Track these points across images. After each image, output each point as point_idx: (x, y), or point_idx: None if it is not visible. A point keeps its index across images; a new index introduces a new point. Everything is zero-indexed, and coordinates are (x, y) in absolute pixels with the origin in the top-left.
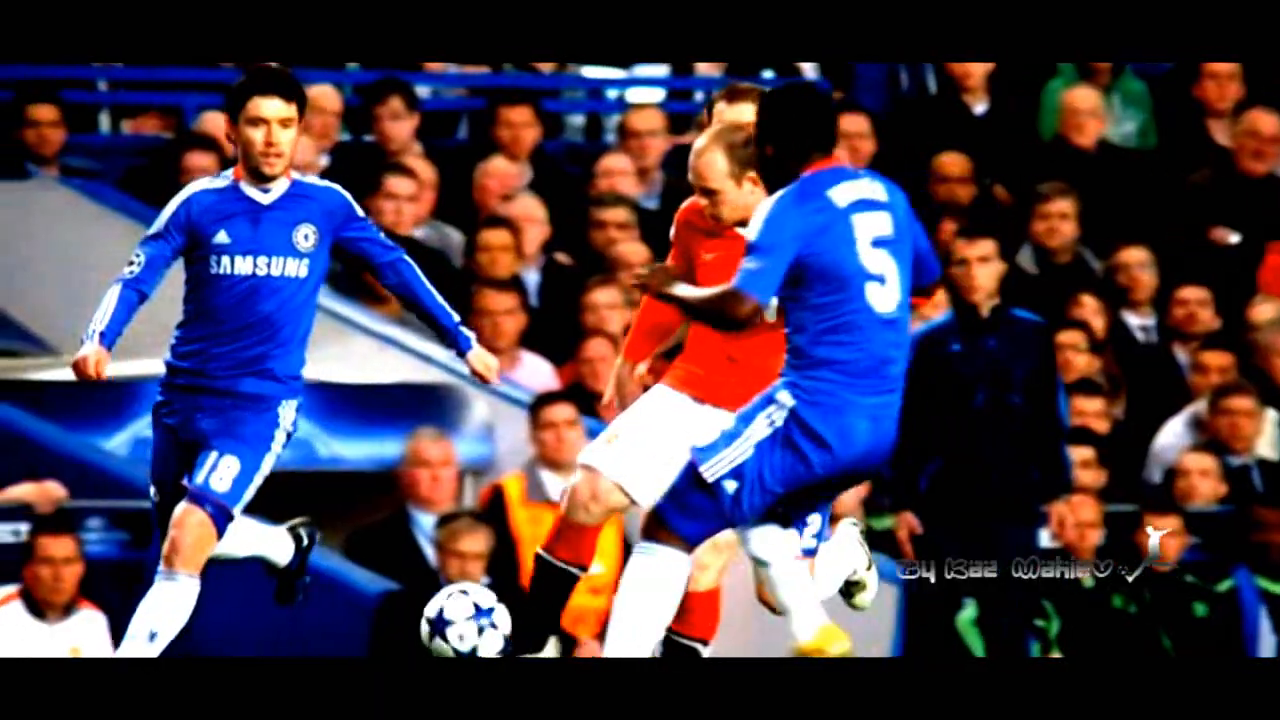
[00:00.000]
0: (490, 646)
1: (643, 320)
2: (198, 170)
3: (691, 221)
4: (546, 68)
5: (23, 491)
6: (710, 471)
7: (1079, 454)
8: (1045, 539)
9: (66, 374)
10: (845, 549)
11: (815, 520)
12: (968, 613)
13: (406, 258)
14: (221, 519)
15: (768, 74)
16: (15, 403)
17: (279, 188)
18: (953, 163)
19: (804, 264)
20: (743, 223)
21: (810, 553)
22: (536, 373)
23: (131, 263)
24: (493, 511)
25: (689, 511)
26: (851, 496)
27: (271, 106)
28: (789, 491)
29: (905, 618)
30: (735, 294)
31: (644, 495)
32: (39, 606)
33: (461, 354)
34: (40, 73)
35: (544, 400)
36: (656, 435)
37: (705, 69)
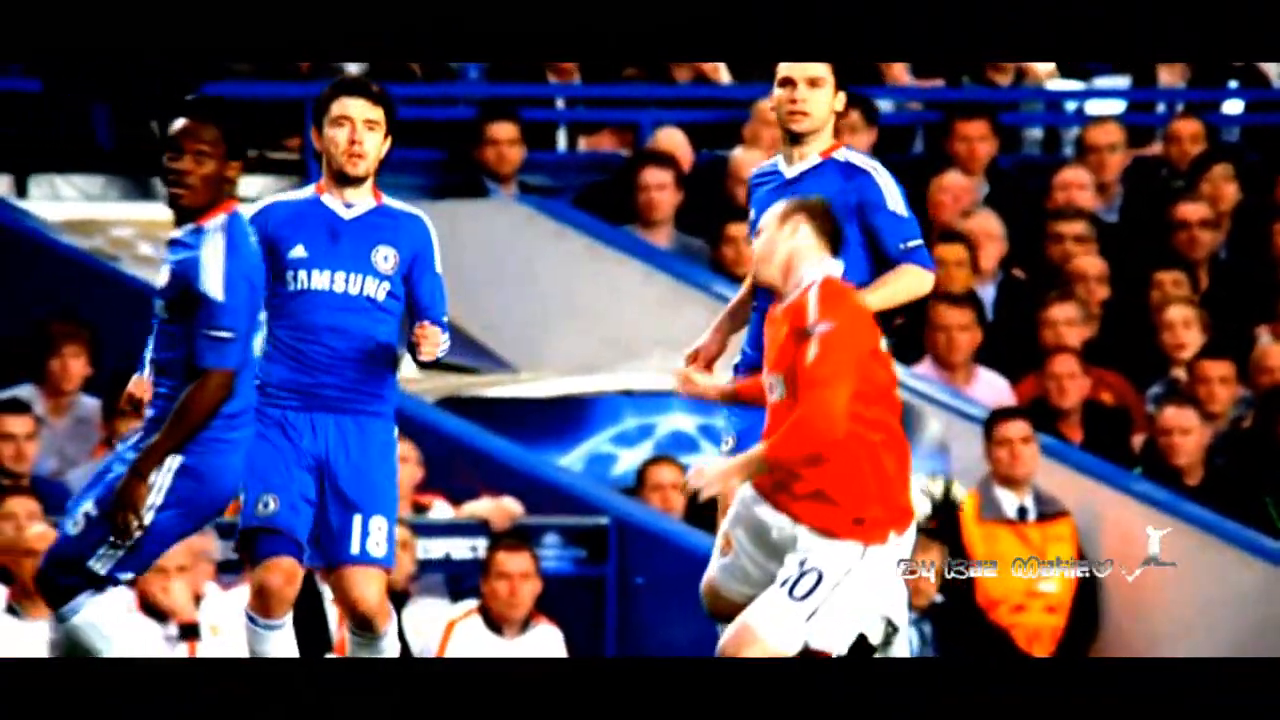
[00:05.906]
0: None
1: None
2: (654, 187)
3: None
4: (1004, 80)
5: (481, 508)
6: (100, 566)
7: None
8: None
9: (523, 390)
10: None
11: None
12: None
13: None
14: (385, 576)
15: (1233, 84)
16: (474, 419)
17: (362, 204)
18: None
19: None
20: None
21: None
22: (992, 389)
23: None
24: (945, 528)
25: (70, 570)
26: None
27: (356, 106)
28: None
29: None
30: (211, 375)
31: None
32: (496, 621)
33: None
34: (500, 91)
35: (1000, 416)
36: None
37: (1167, 79)
